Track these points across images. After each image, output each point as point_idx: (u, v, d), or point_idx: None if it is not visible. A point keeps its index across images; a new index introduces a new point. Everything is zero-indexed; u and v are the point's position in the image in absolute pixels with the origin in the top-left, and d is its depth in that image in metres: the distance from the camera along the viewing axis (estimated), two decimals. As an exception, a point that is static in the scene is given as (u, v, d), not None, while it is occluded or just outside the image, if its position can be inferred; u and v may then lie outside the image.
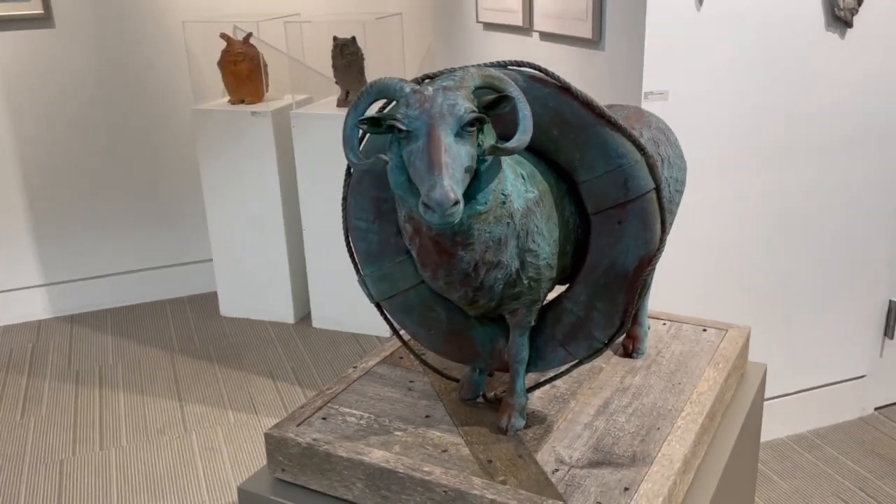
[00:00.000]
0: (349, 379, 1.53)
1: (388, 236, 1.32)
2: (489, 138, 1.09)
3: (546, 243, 1.20)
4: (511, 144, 1.07)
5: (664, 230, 1.22)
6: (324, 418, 1.39)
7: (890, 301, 2.70)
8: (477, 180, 1.08)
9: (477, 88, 1.09)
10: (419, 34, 3.70)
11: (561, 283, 1.33)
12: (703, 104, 2.09)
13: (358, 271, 1.39)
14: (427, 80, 1.25)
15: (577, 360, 1.32)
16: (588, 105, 1.19)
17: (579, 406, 1.40)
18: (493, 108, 1.08)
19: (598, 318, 1.26)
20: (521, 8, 2.53)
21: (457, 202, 0.98)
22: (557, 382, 1.46)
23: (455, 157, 1.02)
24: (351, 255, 1.39)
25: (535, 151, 1.23)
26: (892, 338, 2.75)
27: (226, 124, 3.62)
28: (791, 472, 2.51)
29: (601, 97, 2.09)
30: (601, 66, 2.12)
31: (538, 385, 1.39)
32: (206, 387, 3.26)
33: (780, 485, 2.44)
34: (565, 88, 1.19)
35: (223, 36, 3.59)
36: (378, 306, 1.40)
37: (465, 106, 1.04)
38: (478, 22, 2.95)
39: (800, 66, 2.20)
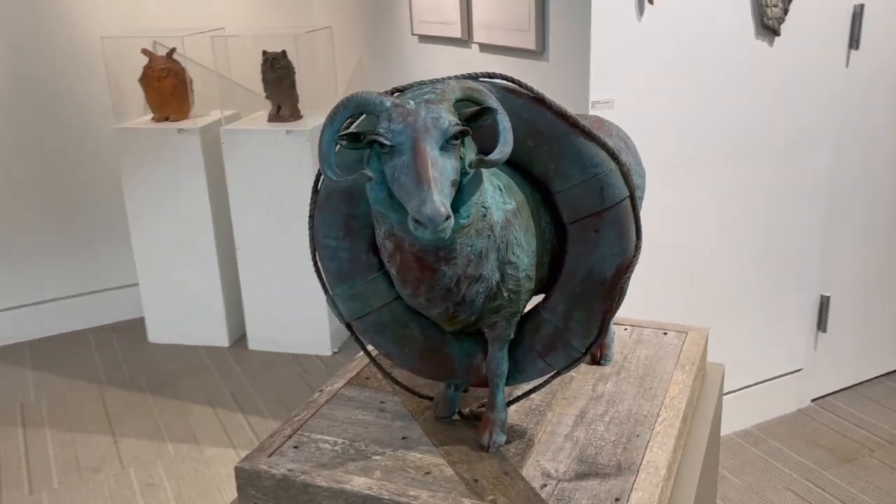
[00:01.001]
0: (317, 403, 1.47)
1: (360, 253, 1.27)
2: (470, 151, 1.07)
3: (525, 254, 1.18)
4: (494, 157, 1.06)
5: (639, 237, 1.23)
6: (296, 447, 1.33)
7: (821, 296, 2.81)
8: (460, 194, 1.05)
9: (457, 101, 1.07)
10: (350, 47, 3.66)
11: (536, 293, 1.32)
12: (647, 112, 2.13)
13: (326, 291, 1.34)
14: (397, 94, 1.22)
15: (555, 371, 1.31)
16: (562, 115, 1.18)
17: (556, 417, 1.39)
18: (474, 120, 1.06)
19: (577, 328, 1.25)
20: (458, 20, 2.53)
21: (448, 217, 0.96)
22: (532, 395, 1.45)
23: (442, 171, 1.00)
24: (319, 275, 1.33)
25: (510, 163, 1.21)
26: (825, 331, 2.86)
27: (151, 143, 3.48)
28: (741, 467, 2.58)
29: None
30: (546, 76, 2.14)
31: (517, 399, 1.37)
32: (141, 419, 3.11)
33: (733, 481, 2.50)
34: (539, 99, 1.18)
35: (145, 52, 3.45)
36: (348, 326, 1.35)
37: (449, 119, 1.02)
38: (413, 34, 2.93)
39: (733, 73, 2.26)
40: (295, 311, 3.57)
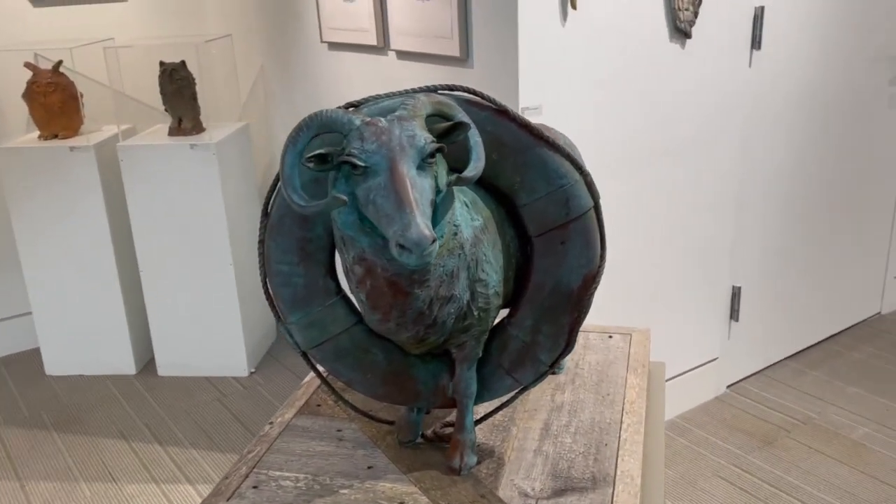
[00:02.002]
0: (269, 437, 1.39)
1: (316, 278, 1.21)
2: (442, 168, 1.03)
3: (494, 271, 1.15)
4: (469, 173, 1.02)
5: (603, 246, 1.22)
6: (255, 487, 1.25)
7: (733, 287, 2.93)
8: (434, 213, 1.01)
9: (427, 116, 1.02)
10: (251, 56, 3.52)
11: (502, 309, 1.29)
12: (572, 116, 2.15)
13: (280, 319, 1.26)
14: (351, 109, 1.17)
15: (522, 387, 1.29)
16: (526, 127, 1.16)
17: (521, 432, 1.37)
18: (446, 136, 1.02)
19: (544, 341, 1.24)
20: (373, 27, 2.47)
21: (434, 240, 0.91)
22: (484, 409, 1.42)
23: (421, 191, 0.95)
24: (271, 303, 1.26)
25: None
26: (737, 320, 2.98)
27: (39, 163, 3.24)
28: (672, 458, 2.65)
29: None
30: (471, 83, 2.11)
31: (485, 417, 1.34)
32: (48, 459, 2.88)
33: (666, 473, 2.56)
34: (502, 111, 1.16)
35: (28, 65, 3.21)
36: (304, 355, 1.28)
37: (424, 136, 0.97)
38: (322, 42, 2.85)
39: (650, 75, 2.32)
40: (206, 332, 3.41)
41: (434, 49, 2.21)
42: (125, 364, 3.51)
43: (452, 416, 1.40)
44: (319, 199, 1.12)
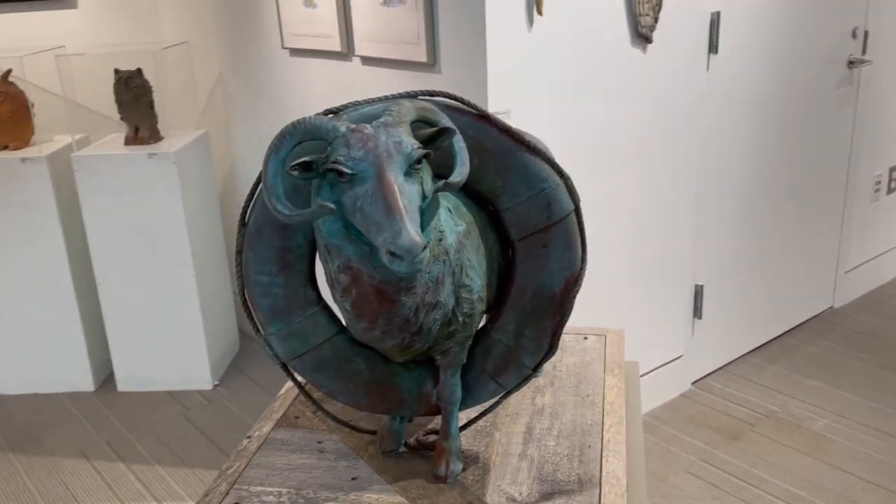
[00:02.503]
0: (248, 452, 1.36)
1: (296, 288, 1.20)
2: (427, 174, 1.03)
3: (478, 276, 1.15)
4: (455, 179, 1.02)
5: (584, 249, 1.23)
6: (237, 503, 1.22)
7: (696, 285, 2.98)
8: (420, 219, 1.01)
9: (412, 122, 1.02)
10: (209, 63, 3.47)
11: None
12: (540, 120, 2.16)
13: (258, 331, 1.24)
14: (331, 116, 1.15)
15: (506, 391, 1.29)
16: (507, 132, 1.16)
17: (505, 437, 1.37)
18: (431, 142, 1.01)
19: (528, 345, 1.24)
20: (337, 33, 2.45)
21: (425, 247, 0.91)
22: (467, 415, 1.42)
23: (410, 198, 0.95)
24: (249, 315, 1.24)
25: None
26: (700, 318, 3.03)
27: (-11, 175, 3.14)
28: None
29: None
30: (439, 88, 2.11)
31: (470, 423, 1.33)
32: (6, 482, 2.79)
33: (637, 471, 2.59)
34: (483, 116, 1.16)
35: (-26, 75, 3.11)
36: (284, 367, 1.26)
37: (411, 142, 0.97)
38: (283, 48, 2.82)
39: (613, 80, 2.35)
40: (168, 345, 3.34)
41: (400, 55, 2.20)
42: (83, 380, 3.42)
43: (434, 423, 1.40)
44: (299, 208, 1.11)
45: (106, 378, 3.48)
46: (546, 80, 2.15)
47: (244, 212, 1.18)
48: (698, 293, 2.99)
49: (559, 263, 1.20)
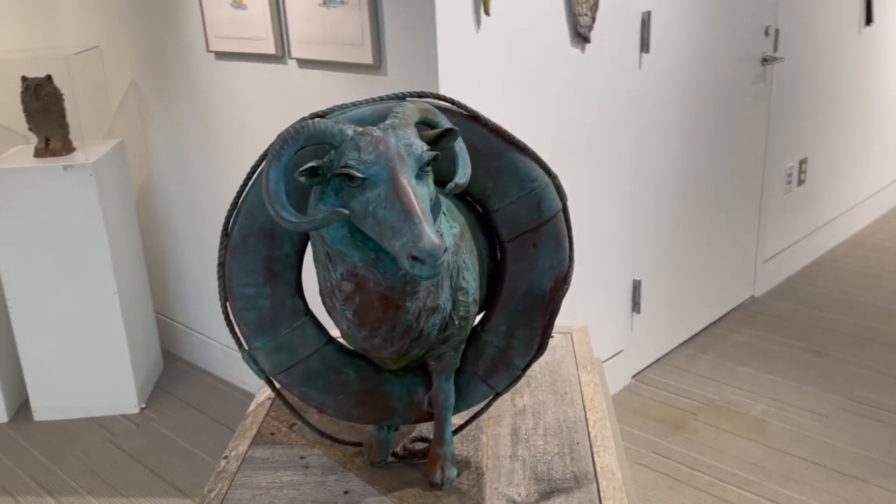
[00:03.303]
0: (228, 473, 1.29)
1: (284, 299, 1.14)
2: (430, 177, 1.00)
3: (472, 278, 1.13)
4: (462, 179, 1.00)
5: (571, 246, 1.22)
6: (225, 527, 1.15)
7: (633, 280, 3.05)
8: None
9: (416, 124, 0.99)
10: (121, 68, 3.30)
11: (473, 315, 1.27)
12: (488, 120, 2.15)
13: (241, 346, 1.18)
14: (318, 120, 1.11)
15: (496, 393, 1.27)
16: (497, 132, 1.15)
17: (492, 439, 1.34)
18: (434, 143, 0.99)
19: (518, 346, 1.22)
20: (271, 35, 2.37)
21: (446, 249, 0.87)
22: (455, 420, 1.39)
23: (423, 200, 0.91)
24: (232, 330, 1.17)
25: (444, 185, 1.15)
26: (639, 312, 3.10)
27: None
28: (592, 452, 2.70)
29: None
30: (386, 90, 2.08)
31: (461, 427, 1.30)
32: (-82, 527, 2.56)
33: (590, 466, 2.62)
34: (473, 117, 1.14)
35: None
36: (269, 381, 1.20)
37: (421, 145, 0.94)
38: (209, 51, 2.71)
39: (556, 79, 2.37)
40: (90, 369, 3.15)
41: (342, 57, 2.15)
42: (-5, 411, 3.19)
43: (417, 430, 1.37)
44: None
45: (20, 407, 3.25)
46: (494, 80, 2.14)
47: (227, 221, 1.12)
48: (636, 288, 3.05)
49: (549, 262, 1.19)
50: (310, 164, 0.92)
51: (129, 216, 3.27)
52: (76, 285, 3.03)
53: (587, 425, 1.38)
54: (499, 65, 2.15)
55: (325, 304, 1.09)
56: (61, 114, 3.04)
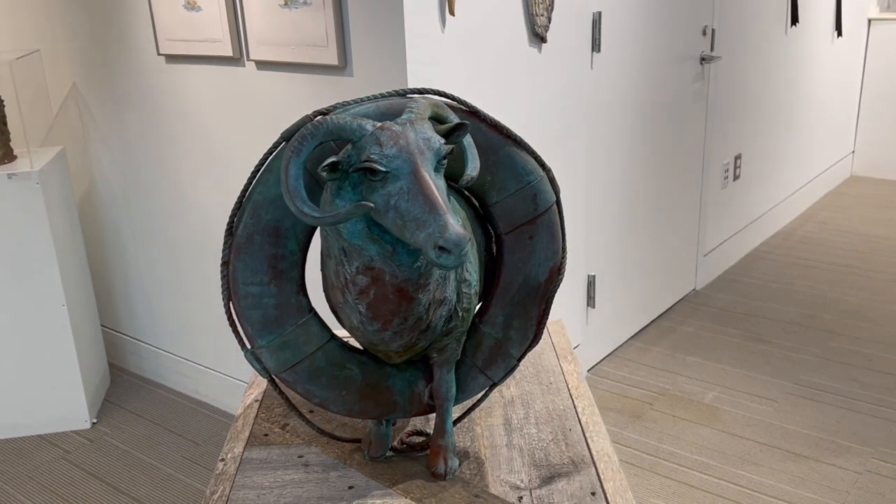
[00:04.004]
0: (228, 474, 1.28)
1: (289, 296, 1.15)
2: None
3: (474, 270, 1.16)
4: (474, 172, 1.03)
5: (564, 238, 1.27)
6: (233, 529, 1.15)
7: (588, 275, 3.13)
8: None
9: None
10: (62, 73, 3.20)
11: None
12: (453, 120, 2.19)
13: (243, 346, 1.18)
14: (320, 117, 1.12)
15: (493, 383, 1.30)
16: (495, 127, 1.18)
17: (486, 430, 1.38)
18: (447, 137, 1.01)
19: (515, 336, 1.26)
20: (227, 37, 2.35)
21: (470, 238, 0.90)
22: (454, 411, 1.42)
23: (443, 193, 0.94)
24: (234, 329, 1.17)
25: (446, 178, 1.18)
26: (593, 307, 3.18)
27: None
28: (557, 444, 2.76)
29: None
30: (352, 91, 2.08)
31: (460, 418, 1.33)
32: None
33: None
34: (472, 112, 1.17)
35: None
36: (271, 380, 1.20)
37: (438, 139, 0.96)
38: (159, 55, 2.66)
39: (516, 78, 2.42)
40: (38, 385, 3.04)
41: (306, 58, 2.14)
42: (-65, 433, 3.05)
43: (412, 425, 1.39)
44: (289, 212, 1.07)
45: (-39, 427, 3.12)
46: (458, 80, 2.18)
47: (231, 221, 1.12)
48: (591, 283, 3.13)
49: (544, 254, 1.23)
50: (331, 160, 0.93)
51: (74, 226, 3.18)
52: (23, 298, 2.93)
53: (576, 412, 1.43)
54: (463, 64, 2.19)
55: (332, 300, 1.11)
56: (2, 120, 2.94)
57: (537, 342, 1.29)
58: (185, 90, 2.68)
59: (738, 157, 4.21)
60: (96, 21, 2.93)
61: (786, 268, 4.26)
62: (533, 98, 2.54)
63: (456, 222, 0.90)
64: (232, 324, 1.17)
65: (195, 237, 2.91)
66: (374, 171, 0.93)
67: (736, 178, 4.24)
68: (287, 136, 1.12)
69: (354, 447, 1.33)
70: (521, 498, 1.19)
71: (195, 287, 3.03)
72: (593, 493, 1.19)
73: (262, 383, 1.57)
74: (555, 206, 1.23)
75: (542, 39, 2.44)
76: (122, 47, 2.86)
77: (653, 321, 3.69)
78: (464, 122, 1.02)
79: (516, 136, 1.18)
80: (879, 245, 4.53)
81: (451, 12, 2.01)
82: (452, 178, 1.14)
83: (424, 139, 0.95)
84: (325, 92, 2.16)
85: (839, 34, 5.14)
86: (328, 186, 0.99)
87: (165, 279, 3.16)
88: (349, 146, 0.96)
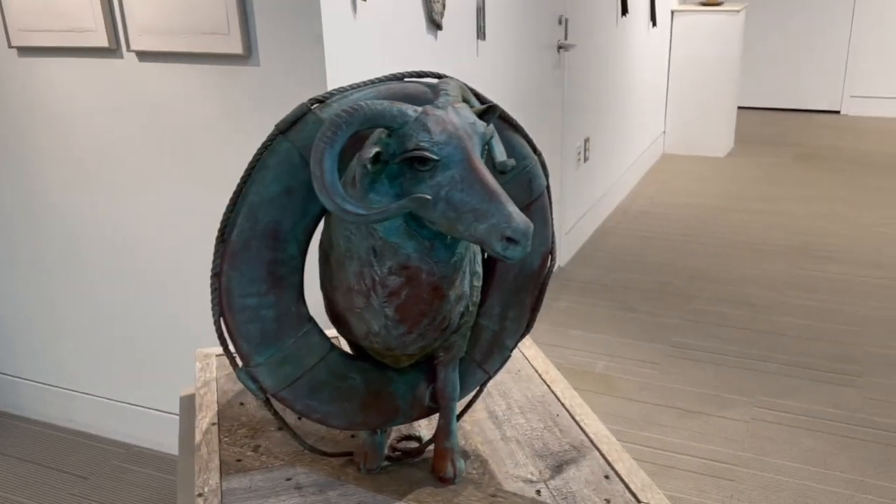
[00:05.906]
0: (214, 510, 1.15)
1: (289, 306, 1.05)
2: None
3: (481, 263, 1.11)
4: (503, 158, 0.98)
5: (553, 224, 1.25)
6: (243, 569, 1.04)
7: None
8: None
9: None
10: None
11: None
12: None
13: (235, 365, 1.06)
14: (317, 105, 1.02)
15: (489, 376, 1.26)
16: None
17: (476, 426, 1.34)
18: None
19: (511, 327, 1.23)
20: (101, 26, 2.09)
21: (532, 227, 0.85)
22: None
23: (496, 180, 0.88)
24: (226, 349, 1.05)
25: None
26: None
27: None
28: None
29: (267, 112, 1.92)
30: (258, 81, 1.92)
31: (459, 416, 1.28)
32: None
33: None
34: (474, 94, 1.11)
35: None
36: (266, 401, 1.10)
37: (481, 122, 0.90)
38: (11, 47, 2.33)
39: (416, 65, 2.35)
40: None
41: (201, 47, 1.96)
42: None
43: (397, 431, 1.32)
44: (289, 213, 0.98)
45: None
46: (370, 66, 2.08)
47: (223, 226, 1.00)
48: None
49: (537, 240, 1.20)
50: (375, 150, 0.85)
51: None
52: None
53: (556, 398, 1.42)
54: (372, 50, 2.10)
55: (344, 306, 1.02)
56: None
57: (530, 330, 1.27)
58: (46, 86, 2.35)
59: (587, 140, 4.41)
60: None
61: (632, 240, 4.53)
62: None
63: (518, 211, 0.85)
64: (223, 342, 1.04)
65: (59, 247, 2.58)
66: (423, 161, 0.85)
67: (586, 159, 4.44)
68: (283, 128, 1.01)
69: (345, 461, 1.25)
70: (539, 491, 1.17)
71: (59, 299, 2.70)
72: (607, 477, 1.20)
73: (212, 404, 1.43)
74: (545, 191, 1.21)
75: (438, 27, 2.41)
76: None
77: (528, 300, 3.78)
78: (495, 105, 0.96)
79: (512, 118, 1.15)
80: (704, 213, 4.93)
81: (361, -3, 1.92)
82: None
83: (470, 123, 0.88)
84: (225, 84, 2.00)
85: (654, 24, 5.52)
86: (354, 180, 0.90)
87: (20, 295, 2.79)
88: (379, 134, 0.88)
